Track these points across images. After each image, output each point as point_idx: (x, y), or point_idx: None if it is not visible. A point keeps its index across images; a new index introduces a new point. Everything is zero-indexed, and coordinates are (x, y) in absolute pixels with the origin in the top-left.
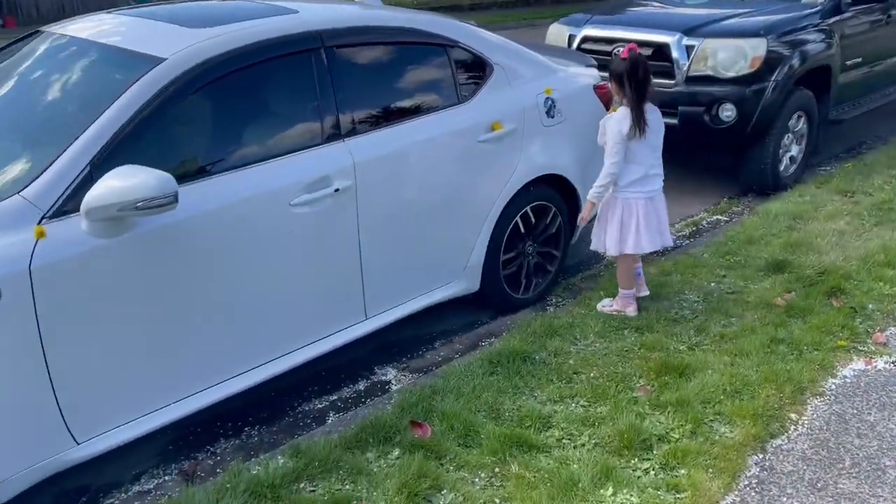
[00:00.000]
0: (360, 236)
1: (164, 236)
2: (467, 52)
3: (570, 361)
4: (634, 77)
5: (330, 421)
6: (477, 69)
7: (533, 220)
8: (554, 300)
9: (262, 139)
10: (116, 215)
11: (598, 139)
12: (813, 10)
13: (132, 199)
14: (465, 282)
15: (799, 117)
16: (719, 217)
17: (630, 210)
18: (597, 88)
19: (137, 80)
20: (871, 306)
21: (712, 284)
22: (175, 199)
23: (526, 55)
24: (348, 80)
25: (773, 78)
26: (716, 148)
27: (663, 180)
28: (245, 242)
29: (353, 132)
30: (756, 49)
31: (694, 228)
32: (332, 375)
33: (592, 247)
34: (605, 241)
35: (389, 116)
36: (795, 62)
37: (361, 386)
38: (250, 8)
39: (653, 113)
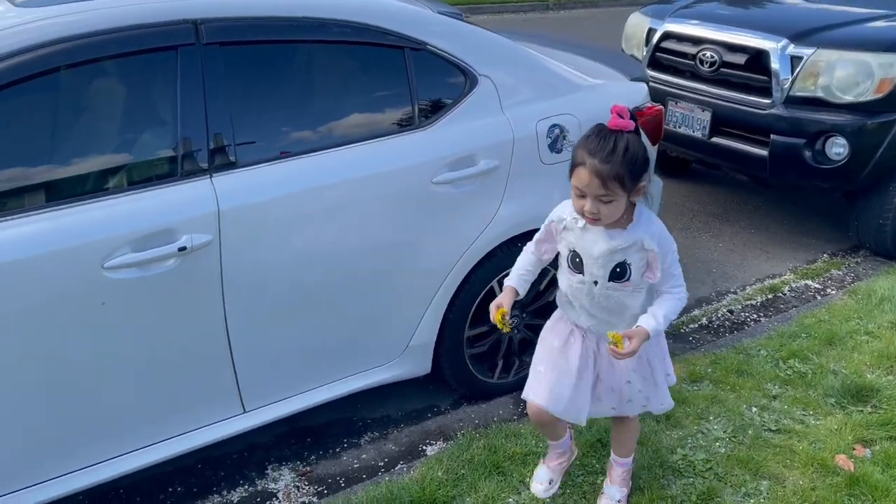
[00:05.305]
0: (227, 311)
1: None
2: (440, 58)
3: None
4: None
5: None
6: (452, 83)
7: None
8: None
9: (73, 171)
10: None
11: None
12: None
13: None
14: (408, 364)
15: None
16: (809, 282)
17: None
18: (639, 113)
19: None
20: None
21: (753, 410)
22: None
23: (537, 65)
24: (233, 91)
25: None
26: (817, 192)
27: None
28: (35, 316)
29: (227, 165)
30: (889, 68)
31: (768, 297)
32: (210, 470)
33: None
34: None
35: (295, 145)
36: None
37: (236, 497)
38: None
39: None
